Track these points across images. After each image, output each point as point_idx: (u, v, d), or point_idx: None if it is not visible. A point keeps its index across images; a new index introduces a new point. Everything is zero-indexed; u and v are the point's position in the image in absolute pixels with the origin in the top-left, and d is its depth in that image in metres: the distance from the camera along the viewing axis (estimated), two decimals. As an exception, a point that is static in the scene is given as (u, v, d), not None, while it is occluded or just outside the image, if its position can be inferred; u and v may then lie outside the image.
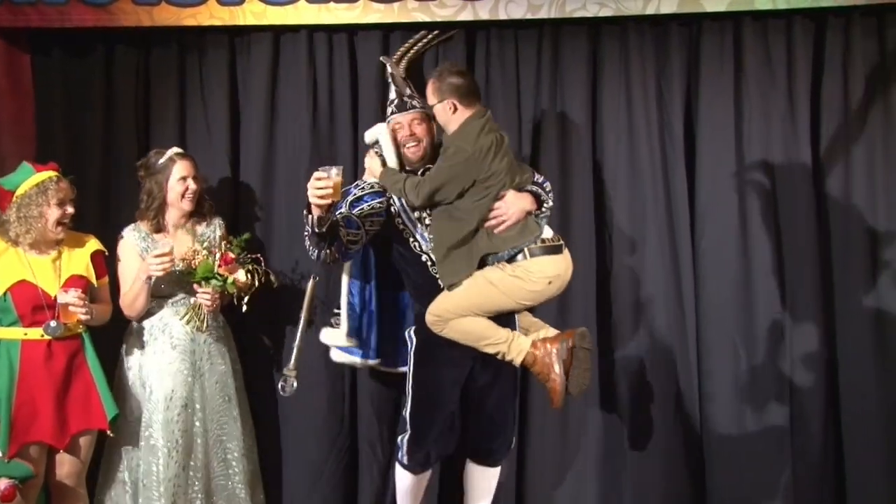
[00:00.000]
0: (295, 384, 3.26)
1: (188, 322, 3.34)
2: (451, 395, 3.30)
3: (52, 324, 3.11)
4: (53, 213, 3.15)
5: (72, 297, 3.10)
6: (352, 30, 3.87)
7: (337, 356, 3.52)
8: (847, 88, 3.83)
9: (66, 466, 3.20)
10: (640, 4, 3.69)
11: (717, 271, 3.86)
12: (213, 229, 3.51)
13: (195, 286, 3.31)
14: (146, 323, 3.37)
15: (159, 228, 3.40)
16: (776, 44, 3.83)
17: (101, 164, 3.91)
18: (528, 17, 3.74)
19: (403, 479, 3.40)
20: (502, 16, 3.74)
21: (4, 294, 3.10)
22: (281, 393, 3.28)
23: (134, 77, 3.95)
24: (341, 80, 3.92)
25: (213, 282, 3.28)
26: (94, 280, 3.27)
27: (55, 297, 3.12)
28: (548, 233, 3.14)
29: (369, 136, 3.45)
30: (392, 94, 3.41)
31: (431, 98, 3.15)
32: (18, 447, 3.07)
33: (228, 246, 3.37)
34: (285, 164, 3.91)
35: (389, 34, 3.85)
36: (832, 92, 3.84)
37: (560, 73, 3.89)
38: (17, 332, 3.11)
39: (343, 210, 3.17)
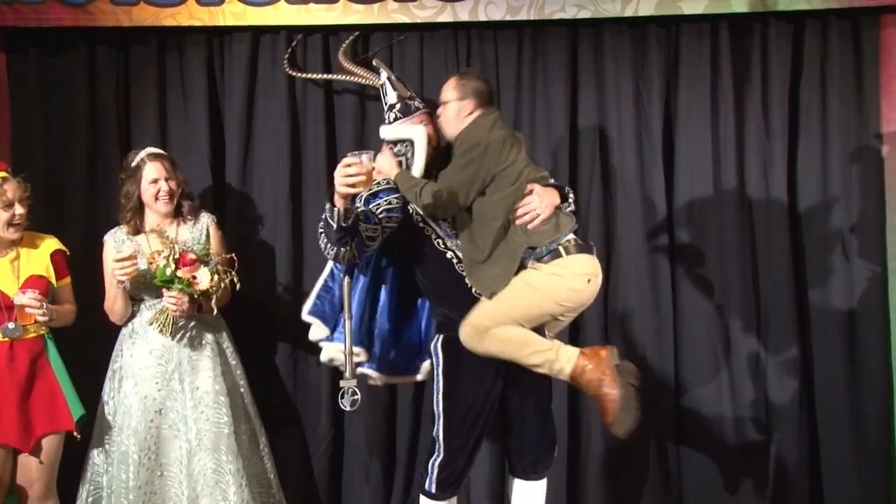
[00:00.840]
0: (357, 396, 3.11)
1: (155, 326, 3.26)
2: (487, 411, 3.08)
3: (11, 325, 3.08)
4: (1, 216, 3.11)
5: (28, 298, 3.07)
6: (331, 30, 3.85)
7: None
8: (824, 90, 3.86)
9: (33, 470, 3.15)
10: (619, 6, 3.70)
11: (693, 270, 3.88)
12: (201, 228, 3.43)
13: (163, 290, 3.22)
14: (127, 327, 3.34)
15: (138, 231, 3.34)
16: (753, 46, 3.85)
17: (81, 164, 3.89)
18: (508, 18, 3.75)
19: None
20: (482, 17, 3.76)
21: None
22: (344, 408, 3.13)
23: (114, 76, 3.93)
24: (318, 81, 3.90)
25: (175, 284, 3.18)
26: (53, 281, 3.23)
27: (13, 298, 3.09)
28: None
29: (394, 133, 3.27)
30: (392, 98, 3.30)
31: (450, 93, 3.04)
32: None
33: (185, 247, 3.29)
34: (265, 163, 3.91)
35: (370, 35, 3.83)
36: (809, 93, 3.87)
37: (540, 73, 3.90)
38: None
39: (359, 205, 3.00)
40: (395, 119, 3.22)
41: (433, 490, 3.02)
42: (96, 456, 3.29)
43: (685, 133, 3.88)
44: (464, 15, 3.75)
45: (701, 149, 3.88)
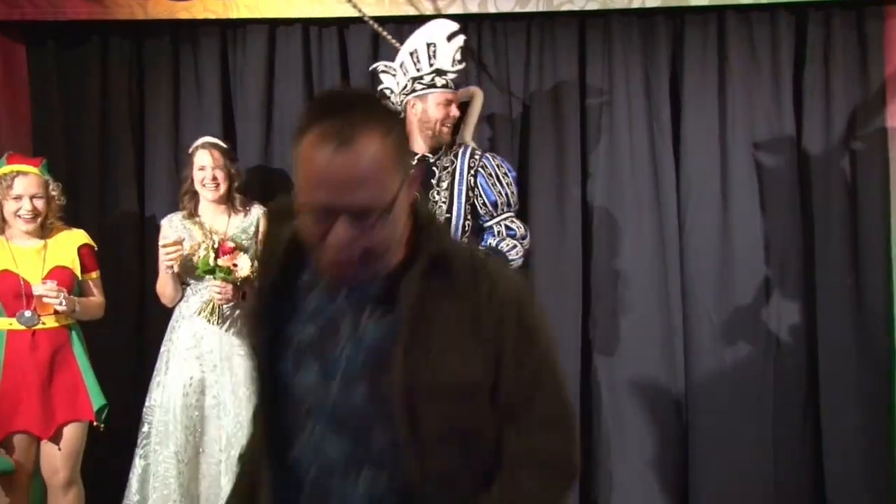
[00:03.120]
0: None
1: (204, 316, 3.36)
2: None
3: (27, 314, 3.15)
4: (10, 206, 3.19)
5: (45, 289, 3.13)
6: (344, 23, 3.91)
7: None
8: (828, 78, 3.89)
9: (55, 457, 3.22)
10: None
11: (702, 250, 3.95)
12: (251, 220, 3.50)
13: (207, 278, 3.34)
14: (176, 310, 3.45)
15: (192, 215, 3.46)
16: (759, 35, 3.89)
17: (96, 154, 3.95)
18: (517, 10, 3.80)
19: None
20: (492, 9, 3.80)
21: None
22: None
23: (128, 68, 3.99)
24: (332, 72, 3.97)
25: (217, 273, 3.29)
26: (78, 273, 3.30)
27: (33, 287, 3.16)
28: None
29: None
30: (443, 62, 3.32)
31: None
32: (3, 436, 3.14)
33: (224, 237, 3.38)
34: (280, 156, 3.97)
35: (381, 26, 3.83)
36: (814, 81, 3.89)
37: (549, 64, 3.95)
38: (2, 323, 3.16)
39: None
40: (443, 86, 3.27)
41: None
42: (146, 431, 3.37)
43: (693, 120, 3.94)
44: (473, 7, 3.80)
45: (708, 135, 3.93)
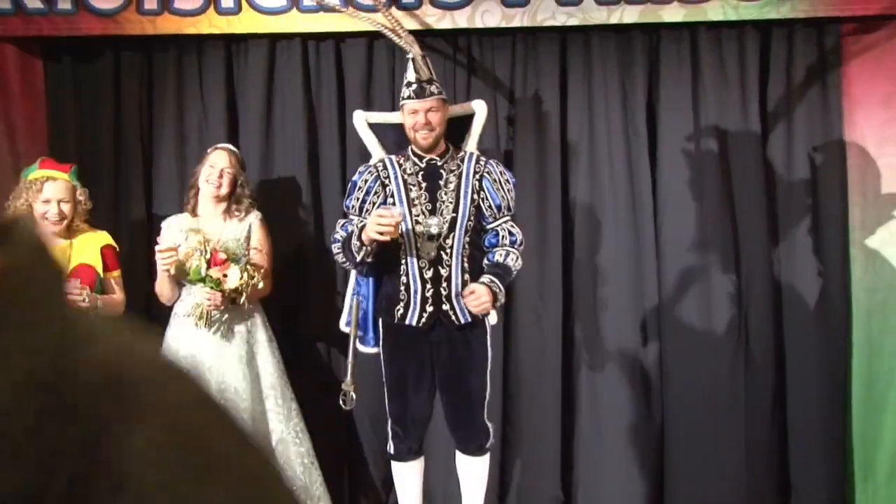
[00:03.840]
0: (354, 397, 3.30)
1: (193, 319, 3.40)
2: (418, 383, 3.33)
3: None
4: (39, 208, 3.31)
5: (68, 286, 3.22)
6: (341, 37, 3.99)
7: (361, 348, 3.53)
8: (791, 91, 4.01)
9: None
10: (605, 14, 3.86)
11: (676, 250, 4.04)
12: (245, 225, 3.55)
13: (198, 285, 3.37)
14: (176, 308, 3.52)
15: (193, 212, 3.54)
16: (728, 51, 4.00)
17: (108, 161, 4.04)
18: (503, 25, 3.89)
19: (393, 469, 3.50)
20: (479, 24, 3.89)
21: None
22: (343, 406, 3.33)
23: (138, 81, 4.08)
24: (329, 83, 4.04)
25: (207, 283, 3.33)
26: (101, 271, 3.41)
27: None
28: None
29: (378, 118, 3.56)
30: (410, 76, 3.35)
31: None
32: None
33: (218, 246, 3.41)
34: (281, 165, 4.06)
35: (373, 41, 4.00)
36: (778, 94, 4.02)
37: (532, 76, 4.05)
38: None
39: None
40: (408, 98, 3.30)
41: (390, 451, 3.45)
42: None
43: (668, 130, 4.04)
44: (462, 22, 3.89)
45: (682, 144, 4.01)
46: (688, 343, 4.02)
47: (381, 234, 3.06)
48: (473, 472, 3.45)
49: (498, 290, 3.26)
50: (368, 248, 3.15)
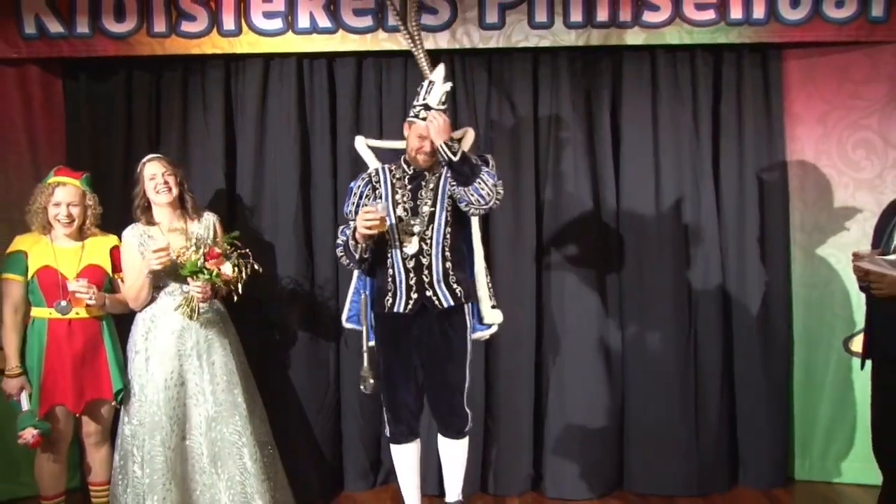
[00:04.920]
0: (372, 382, 3.51)
1: (181, 311, 3.50)
2: (405, 371, 3.50)
3: (63, 303, 3.45)
4: (52, 211, 3.50)
5: (77, 285, 3.42)
6: (331, 57, 4.17)
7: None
8: (740, 110, 4.22)
9: (89, 424, 3.63)
10: (573, 37, 4.07)
11: (636, 246, 4.22)
12: (207, 226, 3.67)
13: (189, 279, 3.47)
14: (147, 312, 3.59)
15: (150, 223, 3.60)
16: (682, 72, 4.20)
17: (120, 170, 4.17)
18: (480, 46, 4.09)
19: (392, 451, 3.64)
20: (458, 45, 4.08)
21: (32, 277, 3.48)
22: (363, 391, 3.53)
23: (147, 97, 4.24)
24: (322, 99, 4.20)
25: (202, 275, 3.43)
26: (109, 272, 3.59)
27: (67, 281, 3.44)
28: None
29: (385, 145, 3.77)
30: (430, 100, 3.44)
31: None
32: (47, 408, 3.48)
33: (213, 242, 3.55)
34: (274, 172, 4.21)
35: (362, 60, 4.20)
36: (728, 113, 4.23)
37: (507, 92, 4.21)
38: (45, 312, 3.49)
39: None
40: (417, 115, 3.41)
41: (387, 435, 3.63)
42: (126, 428, 3.59)
43: (630, 141, 4.21)
44: (443, 43, 4.08)
45: (643, 156, 4.21)
46: (646, 335, 4.22)
47: (369, 228, 3.27)
48: (454, 454, 3.62)
49: (457, 146, 3.34)
50: (363, 245, 3.36)
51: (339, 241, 3.56)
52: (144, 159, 3.69)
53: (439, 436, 3.64)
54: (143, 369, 3.58)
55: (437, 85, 3.48)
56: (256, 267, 3.54)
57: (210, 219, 3.74)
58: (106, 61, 4.23)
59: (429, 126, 3.32)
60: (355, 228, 3.37)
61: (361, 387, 3.56)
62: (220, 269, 3.46)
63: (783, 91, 4.29)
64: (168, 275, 3.55)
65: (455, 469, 3.66)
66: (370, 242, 3.41)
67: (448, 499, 3.71)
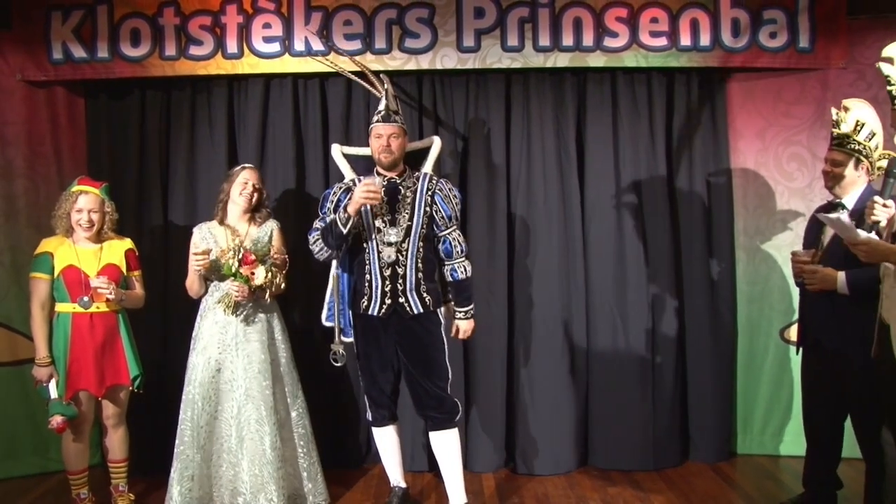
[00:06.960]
0: (344, 353, 3.70)
1: (221, 306, 3.72)
2: (381, 361, 3.61)
3: (85, 299, 3.68)
4: (74, 216, 3.74)
5: (98, 282, 3.67)
6: (325, 76, 4.42)
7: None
8: (691, 127, 4.47)
9: (108, 408, 3.88)
10: (542, 59, 4.33)
11: (600, 254, 4.42)
12: (266, 230, 3.86)
13: (229, 280, 3.68)
14: (203, 302, 3.83)
15: (222, 221, 3.82)
16: (640, 92, 4.45)
17: (134, 179, 4.45)
18: (458, 67, 4.35)
19: (374, 433, 3.81)
20: (438, 66, 4.34)
21: (58, 276, 3.71)
22: (334, 363, 3.69)
23: (159, 113, 4.47)
24: (315, 115, 4.45)
25: (238, 278, 3.64)
26: (125, 271, 3.81)
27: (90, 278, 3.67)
28: None
29: (352, 151, 3.97)
30: (381, 106, 3.68)
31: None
32: (73, 393, 3.71)
33: (253, 246, 3.74)
34: (273, 180, 4.41)
35: (352, 81, 4.36)
36: (680, 125, 4.47)
37: (482, 109, 4.44)
38: (69, 307, 3.72)
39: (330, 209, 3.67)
40: (377, 122, 3.63)
41: (368, 418, 3.81)
42: (183, 401, 3.81)
43: (593, 155, 4.45)
44: (424, 64, 4.33)
45: (605, 167, 4.44)
46: (608, 328, 4.47)
47: (368, 199, 3.43)
48: (447, 447, 3.65)
49: (469, 309, 3.73)
50: (354, 218, 3.46)
51: (315, 227, 3.66)
52: (244, 165, 3.90)
53: (430, 433, 3.69)
54: (193, 352, 3.81)
55: (385, 93, 3.77)
56: (280, 282, 3.76)
57: (271, 225, 3.92)
58: (123, 82, 4.47)
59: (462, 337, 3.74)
60: (345, 207, 3.50)
61: (332, 360, 3.73)
62: (252, 274, 3.66)
63: (727, 109, 4.56)
64: (214, 272, 3.78)
65: (453, 468, 3.68)
66: (356, 220, 3.47)
67: (453, 502, 3.75)
